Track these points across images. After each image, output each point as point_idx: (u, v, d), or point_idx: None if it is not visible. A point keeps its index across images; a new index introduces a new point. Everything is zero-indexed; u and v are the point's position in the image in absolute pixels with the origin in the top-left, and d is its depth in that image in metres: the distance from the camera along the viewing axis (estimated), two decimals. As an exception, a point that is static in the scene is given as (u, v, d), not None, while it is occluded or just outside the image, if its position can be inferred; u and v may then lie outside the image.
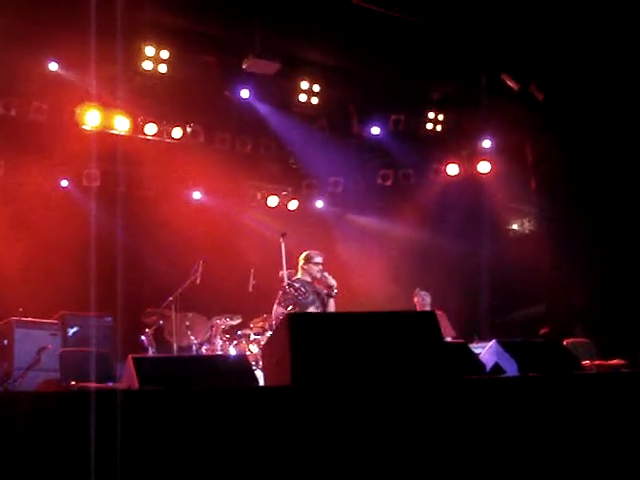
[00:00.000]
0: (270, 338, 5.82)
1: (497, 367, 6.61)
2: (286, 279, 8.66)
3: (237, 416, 3.96)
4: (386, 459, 4.43)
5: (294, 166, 13.31)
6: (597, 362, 8.21)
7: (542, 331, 11.40)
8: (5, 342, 8.96)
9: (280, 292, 8.64)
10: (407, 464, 4.52)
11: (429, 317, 5.26)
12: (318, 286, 8.96)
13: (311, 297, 8.87)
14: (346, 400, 4.39)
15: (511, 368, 6.48)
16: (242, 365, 5.77)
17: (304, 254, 9.11)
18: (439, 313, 8.06)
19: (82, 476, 3.21)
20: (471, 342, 8.68)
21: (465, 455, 4.88)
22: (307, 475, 3.92)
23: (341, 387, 4.44)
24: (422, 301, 10.80)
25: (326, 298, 8.86)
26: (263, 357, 6.24)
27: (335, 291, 8.82)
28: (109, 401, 3.66)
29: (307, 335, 4.63)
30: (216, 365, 5.81)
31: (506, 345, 6.71)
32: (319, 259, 8.98)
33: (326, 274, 8.90)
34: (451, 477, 4.75)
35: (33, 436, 3.49)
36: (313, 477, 3.94)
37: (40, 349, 8.49)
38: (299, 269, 9.08)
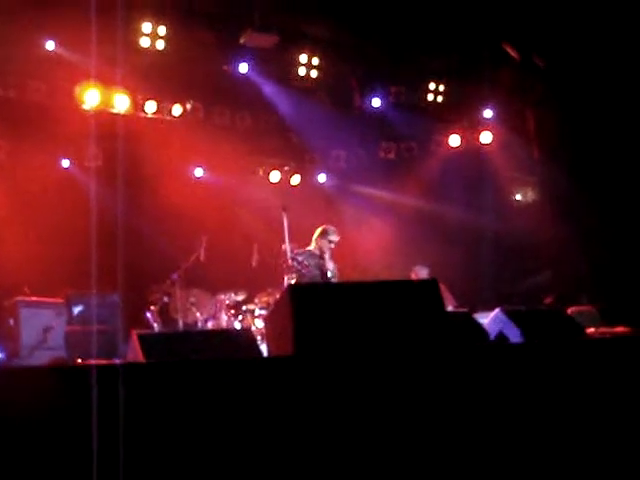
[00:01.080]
0: (273, 309, 5.84)
1: (501, 335, 6.61)
2: (289, 253, 8.68)
3: (241, 386, 3.98)
4: (388, 429, 4.44)
5: (295, 140, 13.23)
6: (601, 330, 8.22)
7: (547, 300, 11.38)
8: (11, 322, 8.98)
9: (284, 266, 8.67)
10: (409, 434, 4.54)
11: (431, 286, 5.26)
12: (322, 262, 8.98)
13: (315, 271, 8.90)
14: (348, 370, 4.41)
15: (515, 336, 6.48)
16: (246, 338, 5.78)
17: (322, 227, 9.12)
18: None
19: (87, 449, 3.24)
20: (475, 312, 8.68)
21: (468, 423, 4.89)
22: (309, 443, 3.94)
23: (343, 357, 4.45)
24: (418, 277, 10.77)
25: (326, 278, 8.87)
26: (266, 328, 6.26)
27: (331, 276, 8.83)
28: (113, 375, 3.67)
29: (309, 305, 4.65)
30: (220, 339, 5.83)
31: (510, 313, 6.71)
32: (334, 237, 9.01)
33: (327, 256, 8.92)
34: (454, 446, 4.77)
35: (41, 410, 3.50)
36: (315, 445, 3.96)
37: (46, 328, 8.53)
38: (312, 241, 9.10)
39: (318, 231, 9.10)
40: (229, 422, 3.84)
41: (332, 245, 8.98)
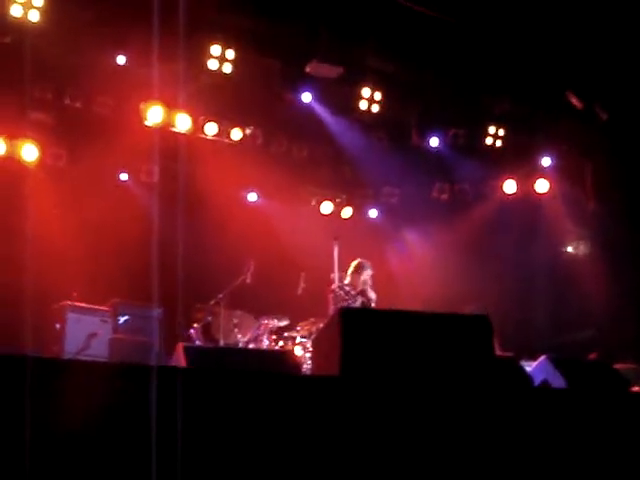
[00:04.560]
0: (321, 331, 5.84)
1: (545, 383, 6.52)
2: (337, 282, 8.71)
3: (285, 402, 3.98)
4: (424, 459, 4.40)
5: (350, 174, 13.27)
6: (647, 389, 8.05)
7: (591, 356, 11.19)
8: (57, 326, 9.10)
9: (331, 294, 8.68)
10: (445, 466, 4.49)
11: (482, 321, 5.21)
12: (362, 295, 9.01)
13: (358, 302, 8.93)
14: (391, 396, 4.38)
15: (559, 385, 6.39)
16: (289, 360, 5.80)
17: (356, 262, 9.16)
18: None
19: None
20: (519, 359, 8.58)
21: (503, 463, 4.84)
22: (345, 462, 3.92)
23: (387, 383, 4.43)
24: None
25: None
26: (313, 350, 6.27)
27: (372, 305, 8.85)
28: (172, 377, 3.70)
29: (358, 329, 4.64)
30: (263, 358, 5.85)
31: (556, 362, 6.62)
32: (368, 272, 9.04)
33: (368, 287, 8.93)
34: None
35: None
36: (349, 464, 3.94)
37: (90, 335, 8.63)
38: (347, 275, 9.14)
39: (353, 266, 9.15)
40: (271, 434, 3.84)
41: (367, 279, 9.02)
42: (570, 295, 12.29)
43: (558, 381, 6.43)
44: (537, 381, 6.54)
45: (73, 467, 3.27)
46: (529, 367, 6.91)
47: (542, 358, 6.76)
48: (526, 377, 6.52)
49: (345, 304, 8.61)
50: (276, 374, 4.31)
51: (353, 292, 8.81)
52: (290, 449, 3.80)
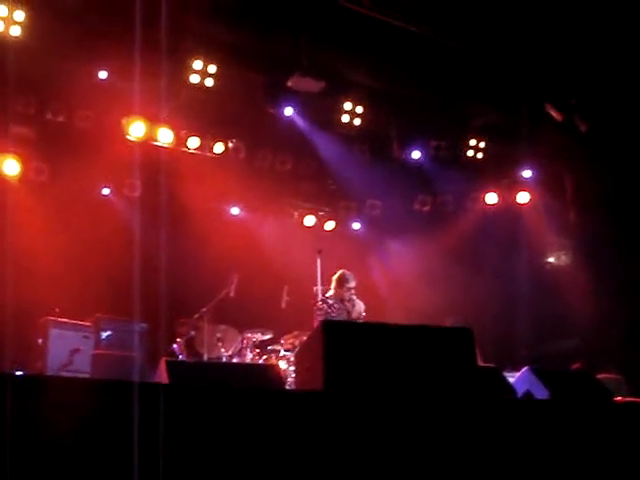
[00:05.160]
0: (304, 345, 5.83)
1: (528, 394, 6.54)
2: (320, 295, 8.70)
3: (269, 417, 3.98)
4: (408, 472, 4.41)
5: (332, 186, 13.31)
6: (629, 399, 8.10)
7: (574, 366, 11.25)
8: (40, 341, 9.06)
9: (314, 308, 8.67)
10: (431, 476, 4.51)
11: (464, 334, 5.23)
12: (349, 306, 8.98)
13: (342, 316, 8.90)
14: (375, 410, 4.39)
15: (543, 396, 6.41)
16: (273, 374, 5.79)
17: (338, 275, 9.13)
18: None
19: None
20: (502, 370, 8.60)
21: (486, 474, 4.85)
22: (333, 475, 3.92)
23: (371, 396, 4.44)
24: None
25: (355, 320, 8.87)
26: (296, 363, 6.26)
27: (362, 315, 8.83)
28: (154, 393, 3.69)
29: (341, 342, 4.65)
30: (247, 372, 5.84)
31: (539, 372, 6.65)
32: (351, 284, 9.00)
33: (354, 298, 8.91)
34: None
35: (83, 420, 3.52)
36: (338, 477, 3.95)
37: (73, 350, 8.60)
38: (332, 289, 9.12)
39: (335, 279, 9.12)
40: (255, 450, 3.83)
41: (352, 290, 8.98)
42: (553, 305, 12.35)
43: (541, 392, 6.45)
44: (520, 392, 6.55)
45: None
46: (512, 378, 6.93)
47: (525, 369, 6.77)
48: (509, 388, 6.53)
49: (329, 317, 8.60)
50: (259, 389, 4.30)
51: (337, 305, 8.79)
52: (275, 464, 3.80)
